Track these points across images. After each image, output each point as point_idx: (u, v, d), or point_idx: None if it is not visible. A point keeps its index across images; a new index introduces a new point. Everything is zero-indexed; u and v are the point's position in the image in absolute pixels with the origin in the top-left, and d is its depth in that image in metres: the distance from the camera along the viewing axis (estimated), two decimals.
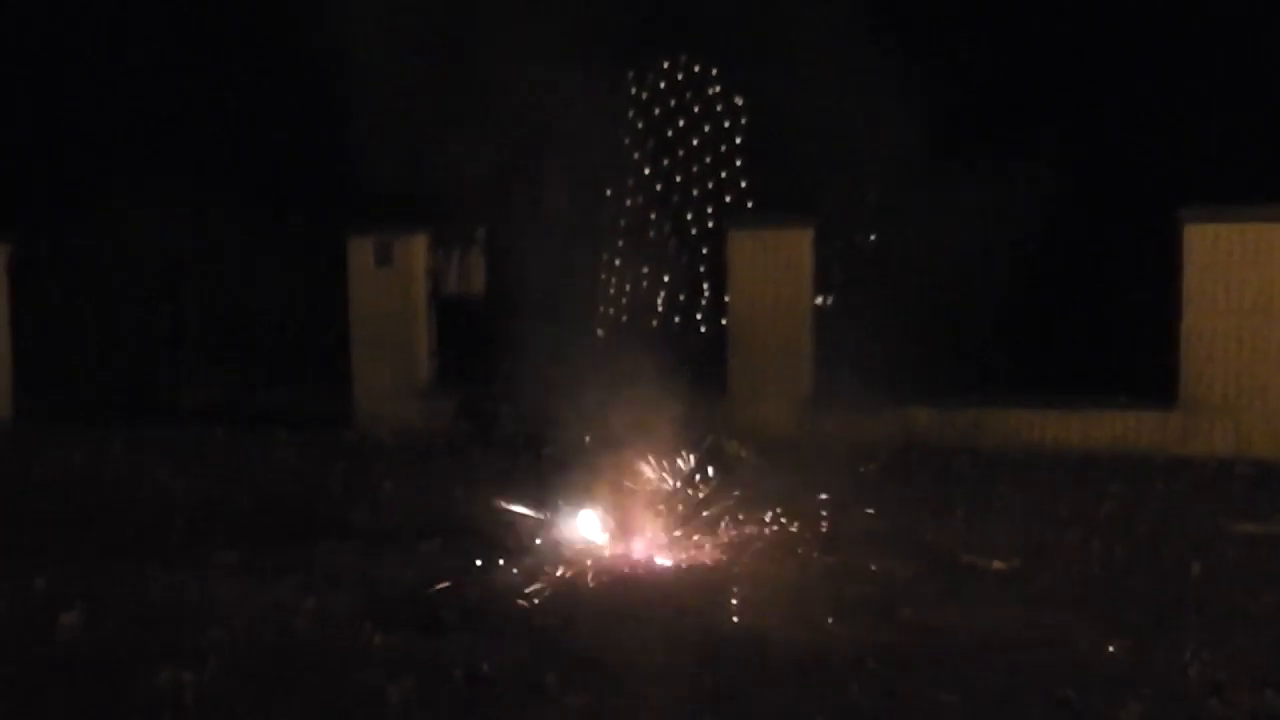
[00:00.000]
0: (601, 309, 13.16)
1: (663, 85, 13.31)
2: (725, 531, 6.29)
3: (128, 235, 12.32)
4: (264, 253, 12.05)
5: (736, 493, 6.51)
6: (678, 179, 13.21)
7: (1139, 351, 9.11)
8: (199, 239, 12.33)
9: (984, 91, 12.91)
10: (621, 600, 5.42)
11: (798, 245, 9.72)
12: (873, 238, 11.40)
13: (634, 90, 13.32)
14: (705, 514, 6.33)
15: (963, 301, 10.07)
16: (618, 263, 13.21)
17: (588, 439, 6.58)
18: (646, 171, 13.24)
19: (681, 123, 13.25)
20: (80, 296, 12.05)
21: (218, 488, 8.20)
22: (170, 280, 11.97)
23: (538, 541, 6.29)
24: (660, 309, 13.06)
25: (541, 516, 6.44)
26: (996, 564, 5.87)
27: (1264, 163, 11.17)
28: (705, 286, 12.89)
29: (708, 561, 6.01)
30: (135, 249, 12.25)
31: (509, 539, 6.35)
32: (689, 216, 13.18)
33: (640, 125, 13.30)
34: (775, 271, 9.72)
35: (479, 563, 6.01)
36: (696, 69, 13.30)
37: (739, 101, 13.27)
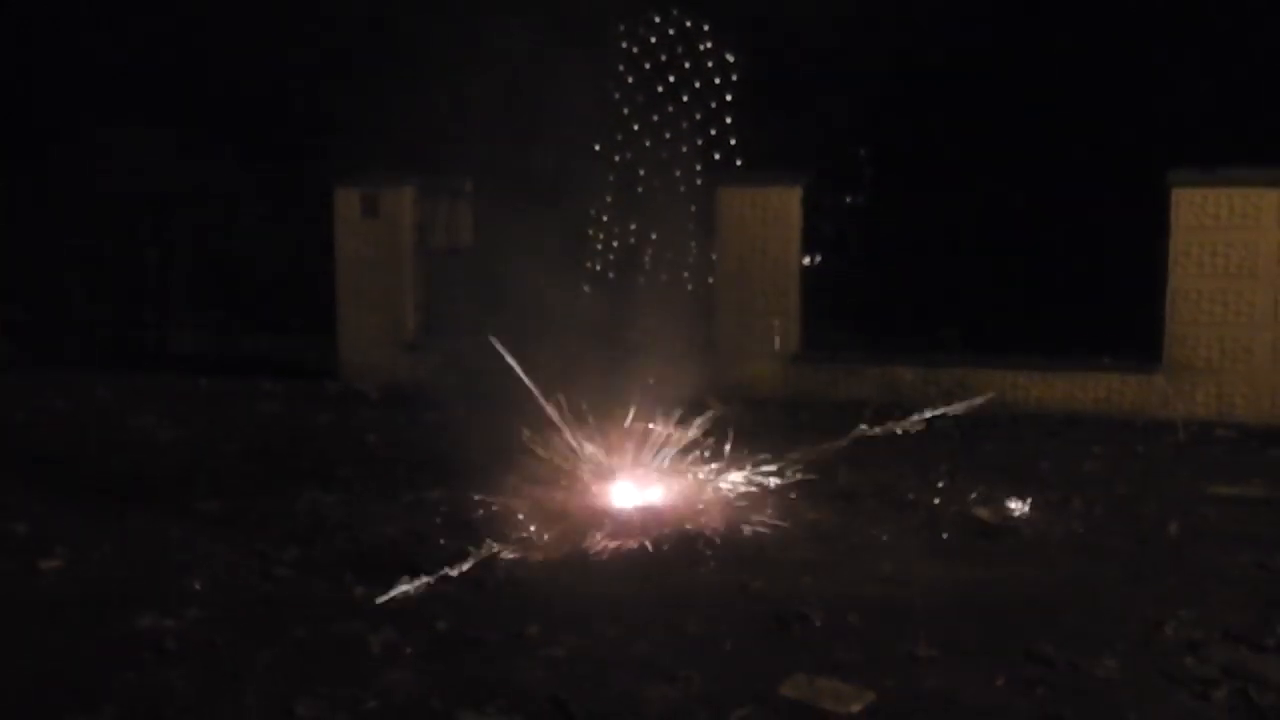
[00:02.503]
0: (589, 264, 13.12)
1: (653, 39, 13.20)
2: (707, 486, 6.30)
3: (116, 177, 12.22)
4: (252, 199, 11.97)
5: (719, 449, 6.52)
6: (667, 134, 13.14)
7: (1124, 313, 9.14)
8: (188, 183, 12.24)
9: (974, 49, 12.84)
10: (601, 552, 5.44)
11: (786, 203, 9.68)
12: (860, 198, 11.40)
13: (624, 43, 13.21)
14: (687, 469, 6.34)
15: (949, 260, 10.10)
16: (605, 218, 13.16)
17: (568, 396, 6.59)
18: (635, 126, 13.16)
19: (672, 78, 13.16)
20: (66, 238, 11.96)
21: (201, 436, 8.20)
22: (158, 224, 11.88)
23: (520, 494, 6.30)
24: (647, 265, 13.03)
25: (525, 468, 6.46)
26: (982, 512, 5.93)
27: (1253, 126, 11.15)
28: (693, 243, 12.86)
29: (690, 515, 6.03)
30: (123, 191, 12.14)
31: (492, 491, 6.36)
32: (678, 172, 13.12)
33: (630, 79, 13.20)
34: (763, 229, 9.70)
35: (462, 514, 6.02)
36: (688, 24, 13.19)
37: (730, 58, 13.18)
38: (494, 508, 6.14)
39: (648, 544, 5.61)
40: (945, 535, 5.77)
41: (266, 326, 11.59)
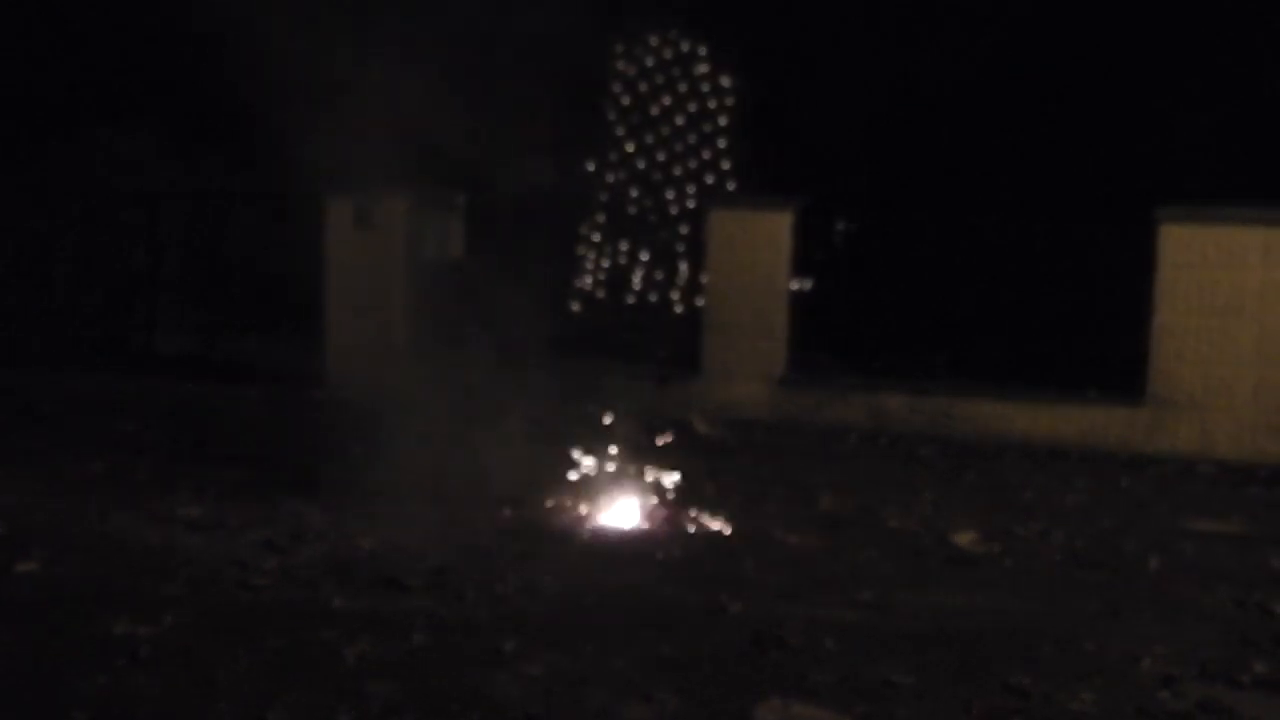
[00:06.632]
0: (578, 283, 13.14)
1: (650, 61, 13.26)
2: (690, 506, 6.31)
3: (107, 177, 12.17)
4: (243, 204, 11.93)
5: (704, 469, 6.53)
6: (660, 156, 13.19)
7: (1112, 347, 9.18)
8: (179, 185, 12.20)
9: (971, 80, 12.95)
10: (582, 569, 5.43)
11: (777, 227, 9.71)
12: (851, 224, 11.43)
13: (621, 64, 13.27)
14: (670, 488, 6.35)
15: (939, 290, 10.13)
16: (597, 237, 13.18)
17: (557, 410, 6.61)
18: (629, 147, 13.20)
19: (667, 100, 13.22)
20: (53, 233, 11.89)
21: (184, 440, 8.16)
22: (148, 225, 11.82)
23: (502, 507, 6.31)
24: (637, 285, 13.06)
25: (508, 482, 6.47)
26: (960, 539, 5.95)
27: (1247, 164, 11.25)
28: (682, 265, 12.90)
29: (671, 535, 6.03)
30: (114, 191, 12.09)
31: (474, 503, 6.36)
32: (670, 194, 13.16)
33: (625, 100, 13.26)
34: (754, 252, 9.72)
35: (443, 526, 6.01)
36: (685, 47, 13.26)
37: (726, 82, 13.25)
38: (476, 520, 6.14)
39: (626, 563, 5.60)
40: (925, 563, 5.77)
41: (254, 332, 11.54)
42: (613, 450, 6.49)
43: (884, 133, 13.49)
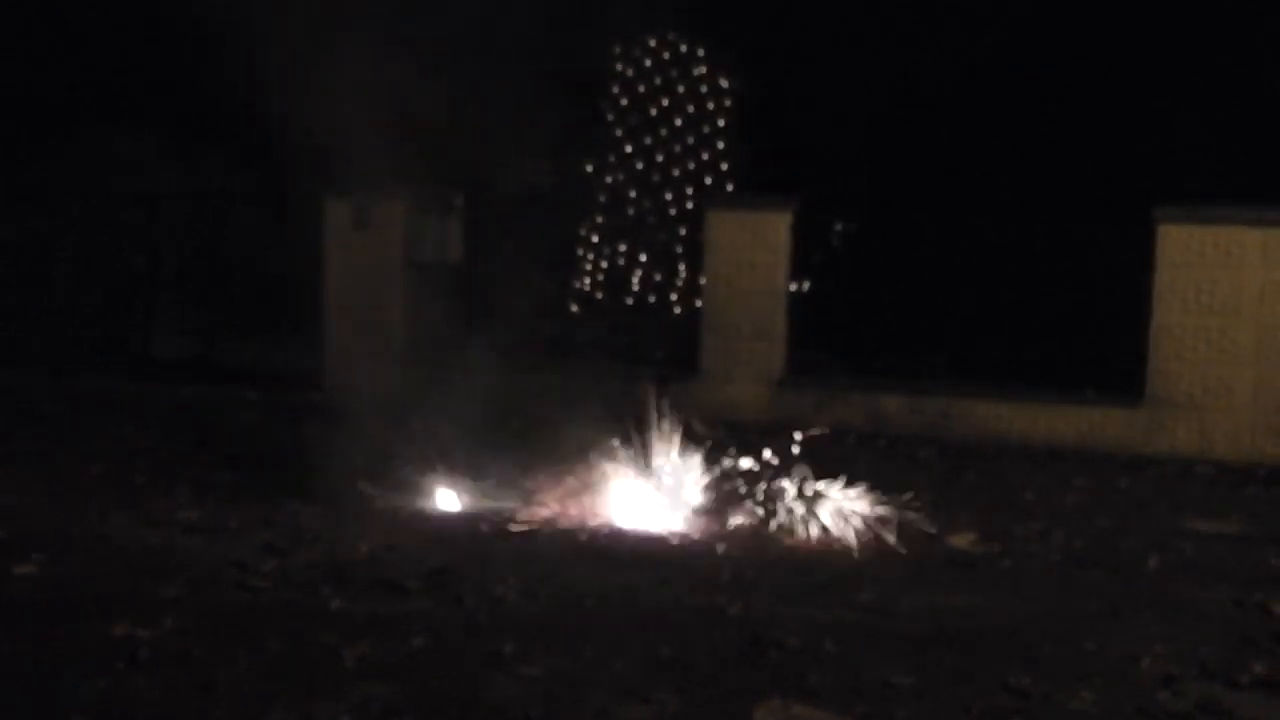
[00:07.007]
0: (577, 284, 13.14)
1: (649, 62, 13.27)
2: (690, 508, 6.30)
3: (105, 179, 12.15)
4: (241, 205, 11.93)
5: (703, 470, 6.52)
6: (659, 157, 13.19)
7: (1110, 348, 9.18)
8: (177, 186, 12.19)
9: (971, 82, 12.95)
10: (581, 571, 5.43)
11: (776, 228, 9.71)
12: (849, 225, 11.44)
13: (619, 65, 13.28)
14: (670, 490, 6.35)
15: (939, 290, 10.14)
16: (595, 238, 13.19)
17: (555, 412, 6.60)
18: (628, 149, 13.21)
19: (666, 101, 13.22)
20: (53, 233, 11.88)
21: (183, 443, 8.16)
22: (146, 227, 11.81)
23: (501, 510, 6.31)
24: (636, 287, 13.06)
25: (506, 486, 6.46)
26: (959, 540, 5.95)
27: (1247, 165, 11.25)
28: (681, 266, 12.90)
29: (668, 536, 6.03)
30: (112, 193, 12.08)
31: (471, 506, 6.36)
32: (668, 195, 13.16)
33: (624, 101, 13.27)
34: (752, 253, 9.71)
35: (442, 530, 6.01)
36: (683, 48, 13.26)
37: (724, 83, 13.25)
38: (474, 522, 6.14)
39: (625, 565, 5.60)
40: (925, 564, 5.77)
41: (252, 334, 11.53)
42: (611, 451, 6.48)
43: (883, 133, 13.50)
